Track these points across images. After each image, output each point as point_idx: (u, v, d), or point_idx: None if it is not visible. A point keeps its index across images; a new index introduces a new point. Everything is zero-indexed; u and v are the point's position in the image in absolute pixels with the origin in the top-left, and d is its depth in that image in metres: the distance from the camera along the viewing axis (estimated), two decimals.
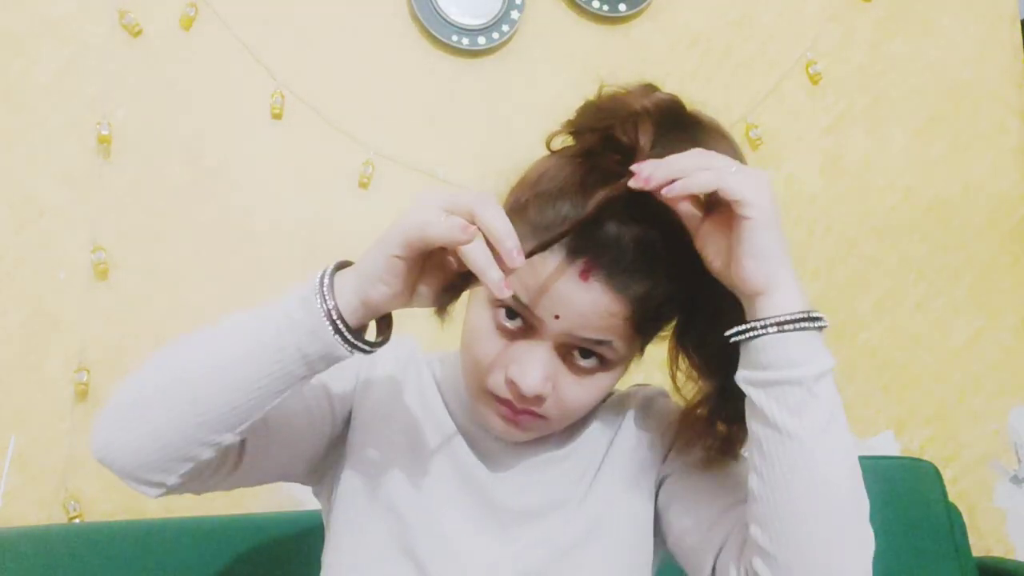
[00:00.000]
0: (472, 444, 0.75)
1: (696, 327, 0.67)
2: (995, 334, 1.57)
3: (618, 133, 0.61)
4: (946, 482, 1.32)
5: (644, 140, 0.59)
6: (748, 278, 0.57)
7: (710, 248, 0.60)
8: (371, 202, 1.38)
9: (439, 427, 0.76)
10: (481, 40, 1.43)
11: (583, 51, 1.47)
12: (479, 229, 0.54)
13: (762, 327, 0.57)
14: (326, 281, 0.58)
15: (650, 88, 0.64)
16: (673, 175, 0.56)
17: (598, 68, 1.44)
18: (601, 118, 0.63)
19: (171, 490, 0.62)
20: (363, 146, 1.38)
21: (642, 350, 0.70)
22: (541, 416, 0.67)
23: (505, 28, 1.43)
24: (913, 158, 1.58)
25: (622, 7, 1.48)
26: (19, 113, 1.28)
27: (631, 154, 0.60)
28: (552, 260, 0.61)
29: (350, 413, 0.77)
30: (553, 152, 0.69)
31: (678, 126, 0.61)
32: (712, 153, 0.57)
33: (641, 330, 0.64)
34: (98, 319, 1.27)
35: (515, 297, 0.62)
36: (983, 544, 1.51)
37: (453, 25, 1.42)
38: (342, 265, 0.61)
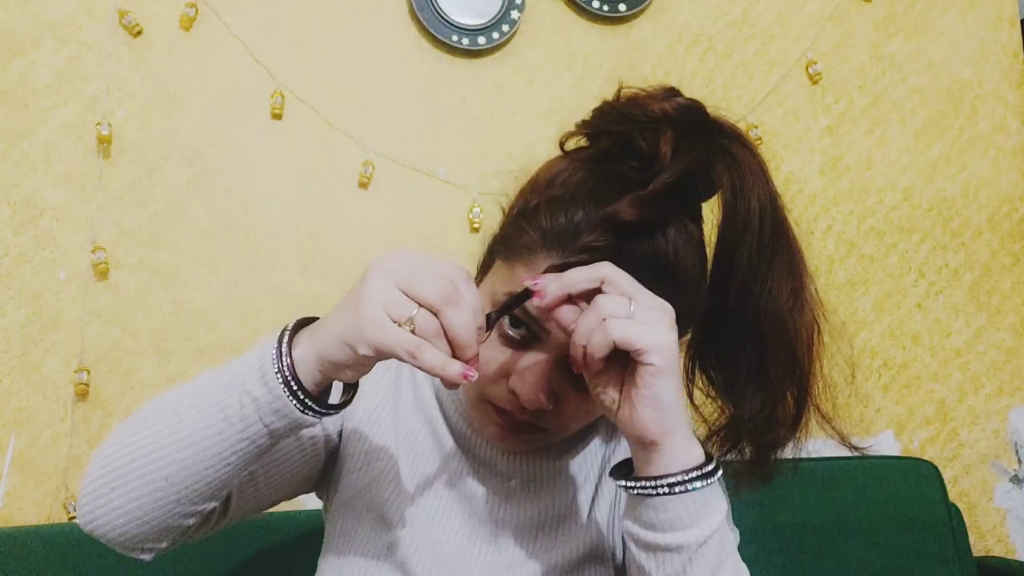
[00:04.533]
0: (468, 453, 0.73)
1: (715, 346, 0.64)
2: (995, 334, 1.57)
3: (637, 139, 0.58)
4: (946, 482, 1.32)
5: (665, 147, 0.57)
6: (645, 427, 0.55)
7: (605, 392, 0.57)
8: (371, 202, 1.38)
9: (435, 435, 0.74)
10: (481, 40, 1.43)
11: (583, 51, 1.47)
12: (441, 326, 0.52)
13: (652, 488, 0.55)
14: (286, 360, 0.55)
15: (672, 92, 0.62)
16: (575, 285, 0.54)
17: (598, 68, 1.45)
18: (619, 121, 0.60)
19: (164, 551, 0.62)
20: (363, 146, 1.38)
21: None
22: (540, 428, 0.66)
23: (505, 28, 1.43)
24: (913, 158, 1.58)
25: (622, 7, 1.48)
26: (19, 113, 1.28)
27: (650, 161, 0.58)
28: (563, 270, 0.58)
29: (342, 425, 0.75)
30: (566, 153, 0.66)
31: (700, 132, 0.59)
32: (607, 299, 0.54)
33: None
34: (98, 319, 1.27)
35: (523, 307, 0.60)
36: (983, 544, 1.51)
37: (453, 25, 1.42)
38: (298, 325, 0.58)
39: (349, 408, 0.75)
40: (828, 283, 1.52)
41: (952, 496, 1.34)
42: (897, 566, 1.25)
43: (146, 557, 0.62)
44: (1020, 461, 1.55)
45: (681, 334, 0.64)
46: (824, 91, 1.56)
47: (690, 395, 0.66)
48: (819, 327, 0.62)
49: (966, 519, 1.33)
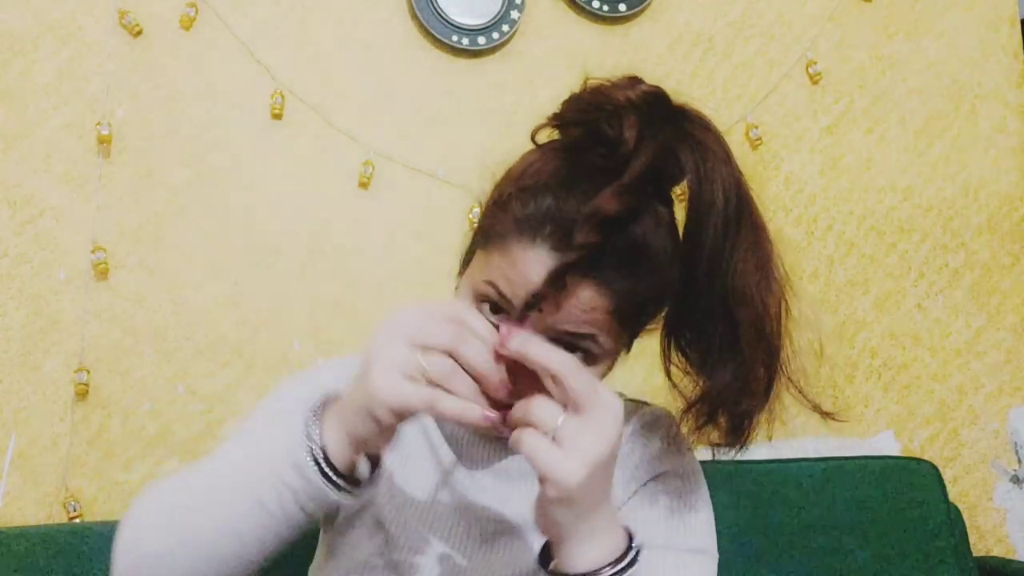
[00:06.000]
0: (462, 455, 0.74)
1: (687, 323, 0.65)
2: (995, 334, 1.57)
3: (603, 126, 0.60)
4: (946, 482, 1.32)
5: (630, 133, 0.59)
6: (539, 525, 0.57)
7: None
8: (371, 202, 1.38)
9: (427, 438, 0.75)
10: (481, 40, 1.43)
11: (583, 51, 1.47)
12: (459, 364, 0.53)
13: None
14: (317, 450, 0.55)
15: (635, 80, 0.63)
16: (532, 358, 0.54)
17: (598, 68, 1.45)
18: (586, 111, 0.62)
19: None
20: (363, 146, 1.38)
21: (629, 345, 0.68)
22: None
23: (505, 28, 1.43)
24: (913, 158, 1.58)
25: (622, 7, 1.48)
26: (19, 113, 1.28)
27: (616, 147, 0.59)
28: (534, 254, 0.60)
29: None
30: (539, 146, 0.68)
31: (664, 118, 0.61)
32: (540, 404, 0.54)
33: (625, 324, 0.63)
34: (98, 319, 1.27)
35: (498, 291, 0.61)
36: (983, 544, 1.51)
37: (453, 25, 1.42)
38: (319, 410, 0.58)
39: None
40: (828, 283, 1.52)
41: (952, 496, 1.34)
42: (897, 566, 1.25)
43: None
44: (1020, 461, 1.55)
45: (654, 315, 0.66)
46: (824, 91, 1.56)
47: (667, 372, 0.68)
48: (787, 302, 0.63)
49: (966, 519, 1.33)
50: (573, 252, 0.57)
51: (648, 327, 0.68)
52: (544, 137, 0.68)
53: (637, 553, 0.57)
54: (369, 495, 0.71)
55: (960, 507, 1.34)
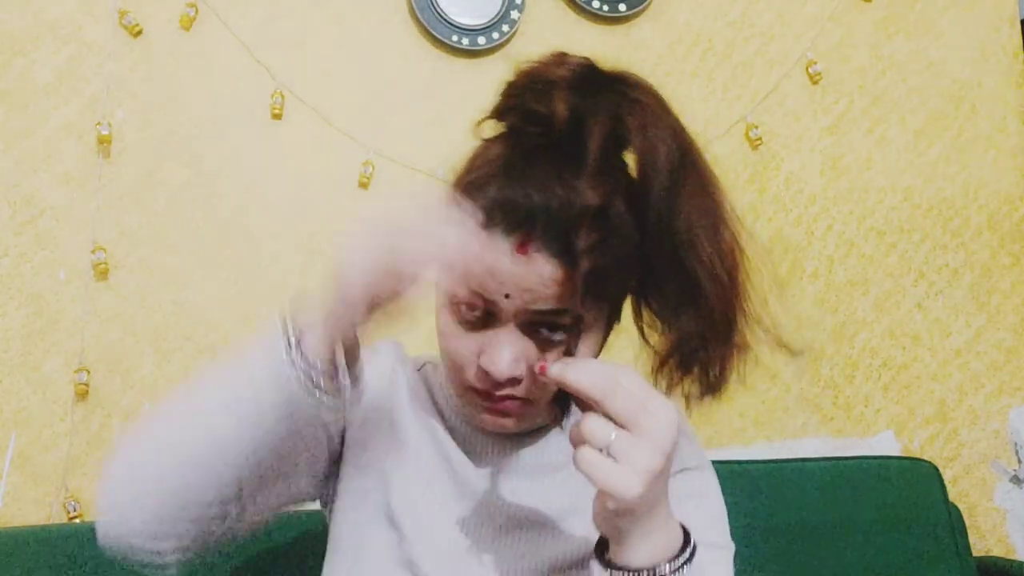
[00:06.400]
0: (469, 450, 0.74)
1: (648, 278, 0.65)
2: (995, 334, 1.57)
3: (534, 105, 0.61)
4: (946, 482, 1.32)
5: (560, 108, 0.59)
6: (600, 527, 0.58)
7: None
8: (371, 202, 1.38)
9: (433, 436, 0.75)
10: (481, 40, 1.43)
11: (583, 51, 1.47)
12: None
13: (610, 572, 0.58)
14: (292, 336, 0.58)
15: (562, 55, 0.64)
16: (572, 386, 0.56)
17: None
18: (518, 95, 0.63)
19: (181, 559, 0.63)
20: (363, 146, 1.38)
21: (613, 314, 0.68)
22: (525, 400, 0.66)
23: (505, 28, 1.43)
24: (913, 158, 1.58)
25: (622, 7, 1.48)
26: (19, 113, 1.28)
27: (550, 124, 0.60)
28: (491, 242, 0.60)
29: (344, 431, 0.76)
30: (484, 141, 0.68)
31: (597, 87, 0.61)
32: (592, 422, 0.55)
33: (595, 292, 0.62)
34: (98, 319, 1.27)
35: (472, 290, 0.62)
36: (983, 544, 1.51)
37: (453, 25, 1.42)
38: (295, 314, 0.61)
39: (348, 416, 0.76)
40: (828, 283, 1.52)
41: (952, 496, 1.34)
42: (897, 566, 1.25)
43: (170, 563, 0.63)
44: (1020, 461, 1.55)
45: (620, 276, 0.64)
46: (824, 91, 1.56)
47: (641, 331, 0.68)
48: (740, 245, 0.64)
49: (966, 519, 1.33)
50: (583, 257, 0.58)
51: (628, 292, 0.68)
52: (489, 132, 0.68)
53: (694, 549, 0.58)
54: (335, 424, 0.74)
55: (960, 507, 1.34)
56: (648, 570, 0.56)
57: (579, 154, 0.59)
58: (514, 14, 1.43)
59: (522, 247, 0.60)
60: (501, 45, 1.44)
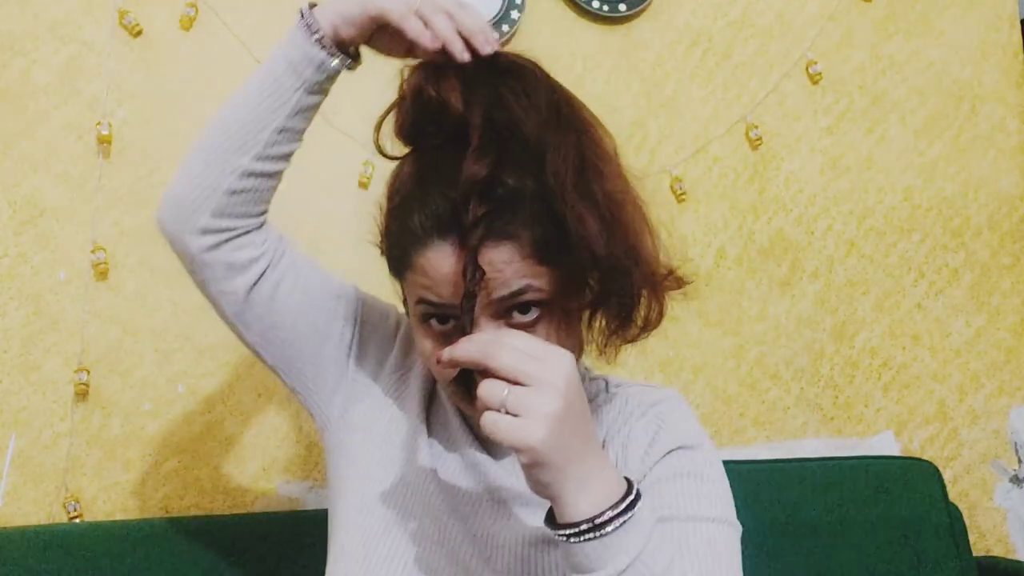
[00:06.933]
0: (478, 439, 0.77)
1: (554, 233, 0.64)
2: (995, 334, 1.57)
3: (428, 92, 0.65)
4: (946, 482, 1.32)
5: (453, 96, 0.63)
6: (530, 487, 0.58)
7: None
8: (371, 202, 1.38)
9: (445, 424, 0.79)
10: None
11: (583, 51, 1.47)
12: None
13: (556, 534, 0.57)
14: (307, 14, 0.76)
15: (440, 53, 0.69)
16: (461, 360, 0.57)
17: (598, 68, 1.45)
18: (410, 101, 0.69)
19: (206, 239, 0.82)
20: (363, 146, 1.38)
21: (582, 281, 0.67)
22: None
23: (505, 28, 1.43)
24: (913, 158, 1.58)
25: (622, 7, 1.48)
26: (19, 113, 1.28)
27: (444, 114, 0.63)
28: (434, 253, 0.63)
29: (352, 339, 0.82)
30: (397, 164, 0.73)
31: (486, 73, 0.65)
32: (485, 387, 0.55)
33: (548, 261, 0.63)
34: (98, 319, 1.27)
35: (432, 304, 0.65)
36: (983, 544, 1.51)
37: None
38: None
39: (358, 387, 0.80)
40: (828, 283, 1.52)
41: (952, 496, 1.34)
42: (897, 566, 1.25)
43: (193, 242, 0.83)
44: (1020, 461, 1.55)
45: (564, 240, 0.63)
46: (824, 91, 1.56)
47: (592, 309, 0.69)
48: (628, 190, 0.67)
49: (966, 519, 1.33)
50: (472, 231, 0.60)
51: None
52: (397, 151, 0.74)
53: (637, 495, 0.57)
54: (342, 66, 0.83)
55: (960, 507, 1.34)
56: (588, 520, 0.55)
57: (470, 137, 0.62)
58: (514, 14, 1.43)
59: (461, 244, 0.61)
60: (501, 45, 1.44)
